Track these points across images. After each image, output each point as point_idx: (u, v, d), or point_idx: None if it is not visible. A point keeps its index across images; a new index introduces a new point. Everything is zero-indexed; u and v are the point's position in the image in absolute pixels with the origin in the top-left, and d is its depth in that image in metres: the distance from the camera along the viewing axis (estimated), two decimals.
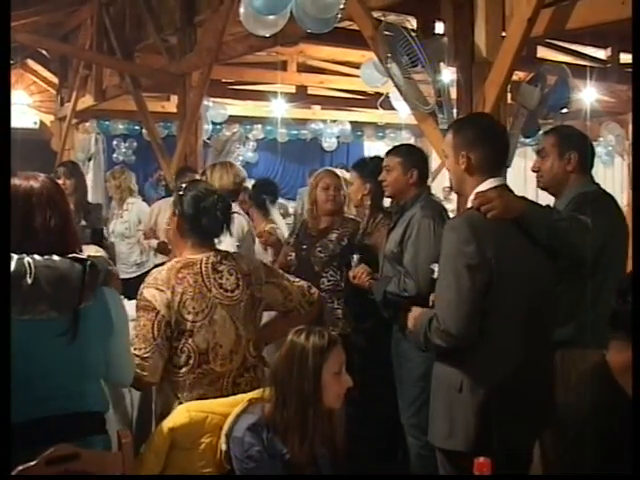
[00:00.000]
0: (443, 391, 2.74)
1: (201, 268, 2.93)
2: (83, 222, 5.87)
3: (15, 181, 2.35)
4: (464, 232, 2.62)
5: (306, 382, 2.51)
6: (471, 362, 2.65)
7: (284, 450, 2.52)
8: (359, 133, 14.21)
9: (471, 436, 2.64)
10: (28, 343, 2.24)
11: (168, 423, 2.68)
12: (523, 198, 2.80)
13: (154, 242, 6.18)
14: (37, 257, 2.24)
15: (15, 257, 2.21)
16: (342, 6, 4.32)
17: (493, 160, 2.77)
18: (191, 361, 2.86)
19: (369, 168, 4.39)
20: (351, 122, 13.05)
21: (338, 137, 13.53)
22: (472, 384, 2.63)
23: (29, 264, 2.21)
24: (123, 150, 13.27)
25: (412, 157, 3.92)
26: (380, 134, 14.12)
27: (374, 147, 14.42)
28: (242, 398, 2.70)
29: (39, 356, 2.28)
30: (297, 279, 3.28)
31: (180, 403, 2.83)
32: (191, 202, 3.02)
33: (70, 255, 2.32)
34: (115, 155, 13.29)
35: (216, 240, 3.08)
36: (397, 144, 4.44)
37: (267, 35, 4.81)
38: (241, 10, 4.60)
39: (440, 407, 2.76)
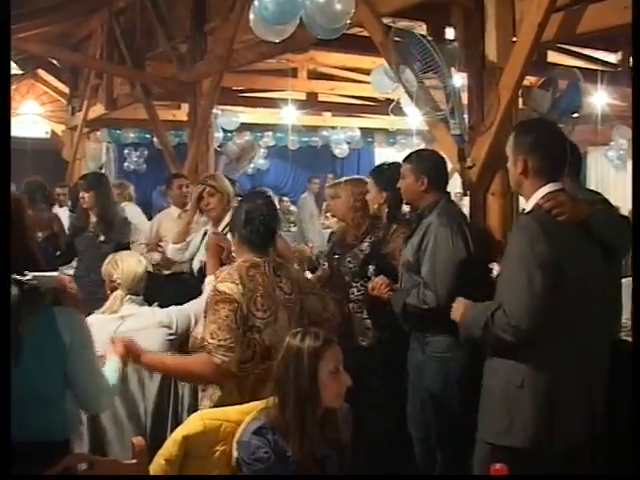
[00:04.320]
0: (501, 387, 2.78)
1: (265, 270, 3.09)
2: (102, 237, 5.68)
3: None
4: (535, 231, 2.69)
5: (302, 381, 2.54)
6: (535, 358, 2.70)
7: (289, 452, 2.54)
8: (370, 139, 14.22)
9: (530, 433, 2.69)
10: None
11: (182, 431, 2.67)
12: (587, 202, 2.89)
13: (156, 255, 6.15)
14: None
15: None
16: (351, 14, 4.32)
17: (551, 167, 2.82)
18: (257, 356, 2.98)
19: (386, 176, 4.23)
20: (362, 128, 13.05)
21: (349, 144, 13.53)
22: (534, 381, 2.69)
23: None
24: (134, 159, 13.30)
25: (423, 164, 3.80)
26: (391, 140, 14.13)
27: (385, 153, 14.42)
28: (256, 406, 2.69)
29: None
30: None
31: (242, 399, 2.86)
32: (240, 213, 3.17)
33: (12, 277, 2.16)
34: (126, 164, 13.33)
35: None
36: (411, 150, 4.33)
37: (277, 41, 4.82)
38: (251, 16, 4.61)
39: (497, 403, 2.79)
